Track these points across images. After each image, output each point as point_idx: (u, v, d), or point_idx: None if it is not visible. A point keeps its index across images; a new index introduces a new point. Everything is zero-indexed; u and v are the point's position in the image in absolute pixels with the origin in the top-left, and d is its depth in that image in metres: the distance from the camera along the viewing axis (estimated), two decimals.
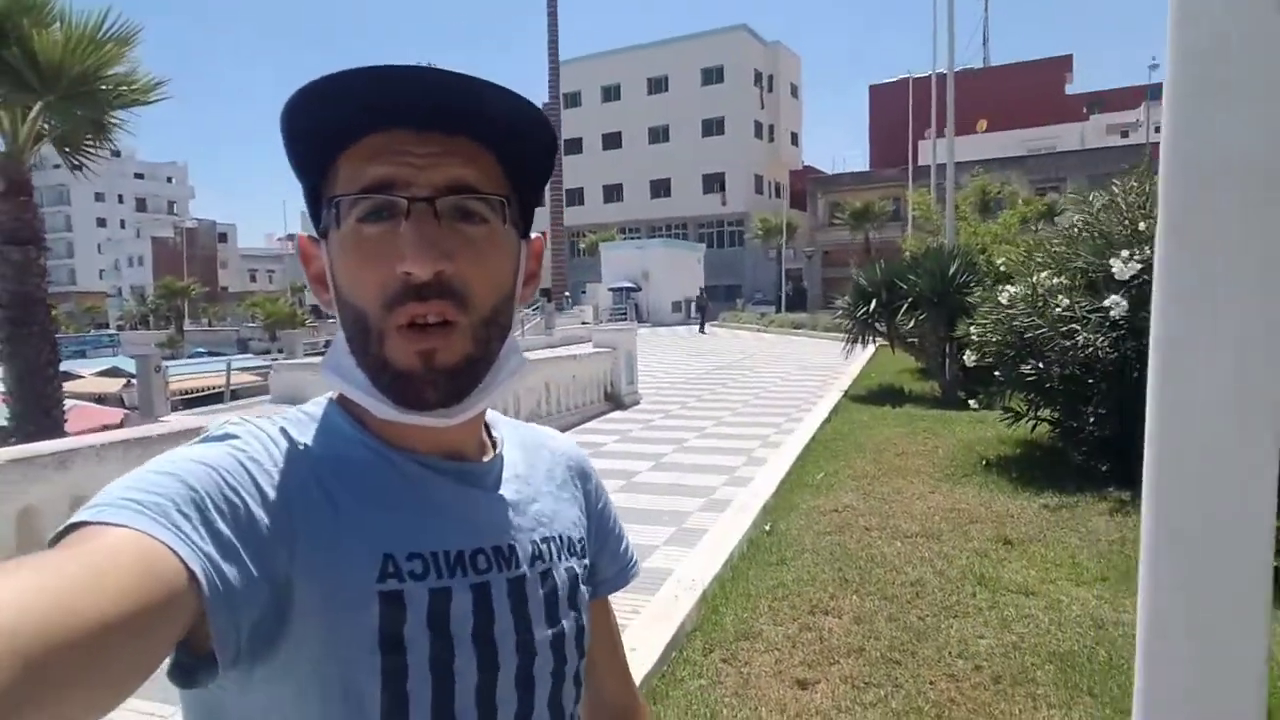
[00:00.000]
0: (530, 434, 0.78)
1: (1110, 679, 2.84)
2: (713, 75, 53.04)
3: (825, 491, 5.86)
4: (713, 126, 53.21)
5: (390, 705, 0.56)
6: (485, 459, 0.69)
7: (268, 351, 30.60)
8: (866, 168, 52.61)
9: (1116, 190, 6.51)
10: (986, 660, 3.06)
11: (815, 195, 48.81)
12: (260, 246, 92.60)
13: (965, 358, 7.12)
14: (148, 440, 4.62)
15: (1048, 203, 19.56)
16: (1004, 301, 6.21)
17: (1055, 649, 3.12)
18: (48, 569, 0.42)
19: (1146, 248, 5.57)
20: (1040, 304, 6.02)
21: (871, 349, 13.84)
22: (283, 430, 0.61)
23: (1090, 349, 5.60)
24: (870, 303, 10.80)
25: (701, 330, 29.68)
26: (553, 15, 43.31)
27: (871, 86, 56.72)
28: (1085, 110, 49.31)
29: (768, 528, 5.06)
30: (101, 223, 78.11)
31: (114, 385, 16.58)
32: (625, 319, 31.32)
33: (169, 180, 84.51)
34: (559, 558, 0.69)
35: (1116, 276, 5.52)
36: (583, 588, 0.71)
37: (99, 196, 77.41)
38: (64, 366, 8.08)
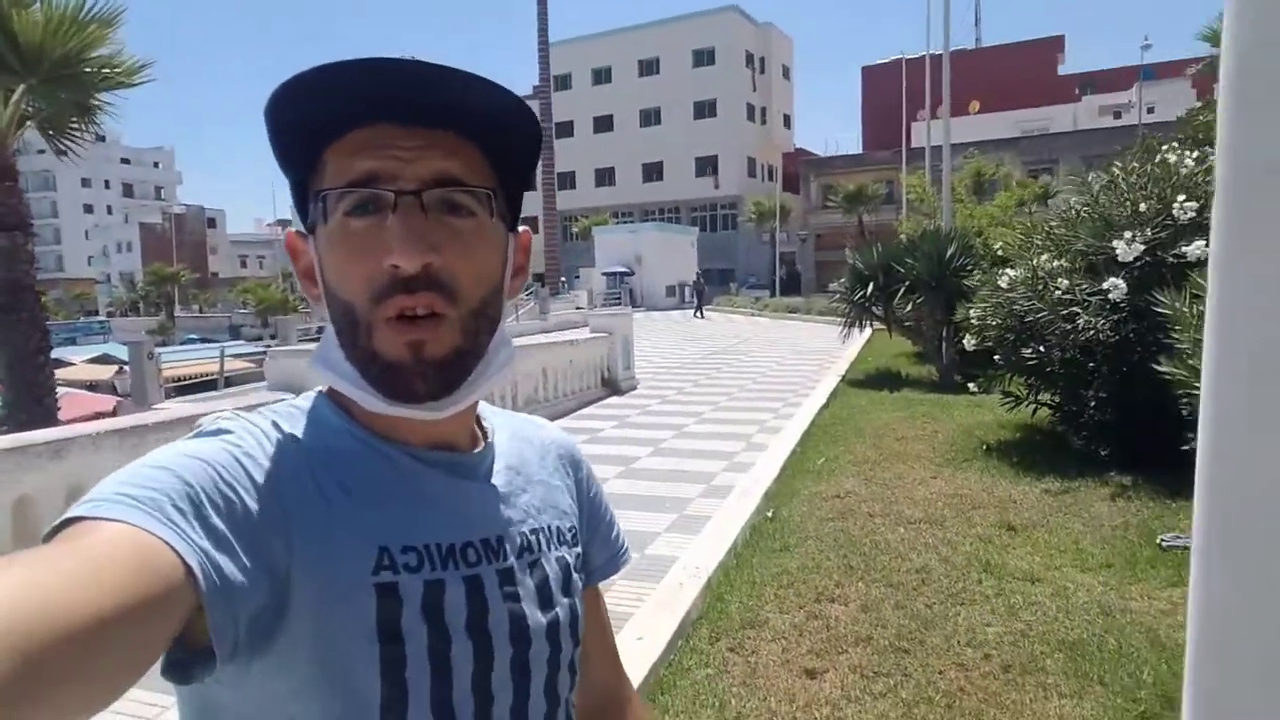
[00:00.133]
0: (520, 423, 0.78)
1: (1120, 668, 2.83)
2: (704, 57, 52.65)
3: (826, 477, 5.84)
4: (704, 109, 52.88)
5: (390, 695, 0.57)
6: (476, 450, 0.69)
7: (260, 338, 30.45)
8: (859, 150, 52.48)
9: (1117, 171, 6.46)
10: (995, 649, 3.05)
11: (808, 178, 48.65)
12: (250, 232, 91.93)
13: (965, 342, 7.09)
14: (143, 429, 4.56)
15: (1043, 186, 19.52)
16: (1004, 285, 6.18)
17: (1064, 637, 3.11)
18: (44, 564, 0.42)
19: (1148, 229, 5.54)
20: (1040, 287, 5.99)
21: (867, 333, 13.84)
22: (275, 424, 0.61)
23: (1091, 332, 5.57)
24: (867, 286, 10.76)
25: (699, 315, 29.57)
26: None
27: (864, 68, 56.54)
28: (1077, 91, 49.24)
29: (770, 514, 5.04)
30: (88, 209, 77.29)
31: (106, 372, 16.45)
32: (619, 303, 31.21)
33: (156, 165, 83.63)
34: (548, 548, 0.69)
35: (1120, 259, 5.48)
36: (576, 575, 0.71)
37: (85, 182, 76.57)
38: (55, 354, 7.97)
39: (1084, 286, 5.72)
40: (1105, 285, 5.42)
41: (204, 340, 30.50)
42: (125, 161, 79.73)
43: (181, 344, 28.26)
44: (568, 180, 54.96)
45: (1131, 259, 5.47)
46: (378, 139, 0.58)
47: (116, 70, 8.21)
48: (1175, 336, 4.41)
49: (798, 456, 6.63)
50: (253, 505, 0.54)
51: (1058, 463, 5.84)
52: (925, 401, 8.90)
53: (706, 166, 52.62)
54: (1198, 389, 2.58)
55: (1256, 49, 0.91)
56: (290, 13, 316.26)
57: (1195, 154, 6.08)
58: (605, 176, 56.09)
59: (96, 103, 8.48)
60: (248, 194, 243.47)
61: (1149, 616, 3.29)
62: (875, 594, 3.64)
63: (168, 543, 0.47)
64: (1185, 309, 4.41)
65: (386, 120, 0.58)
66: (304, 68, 0.55)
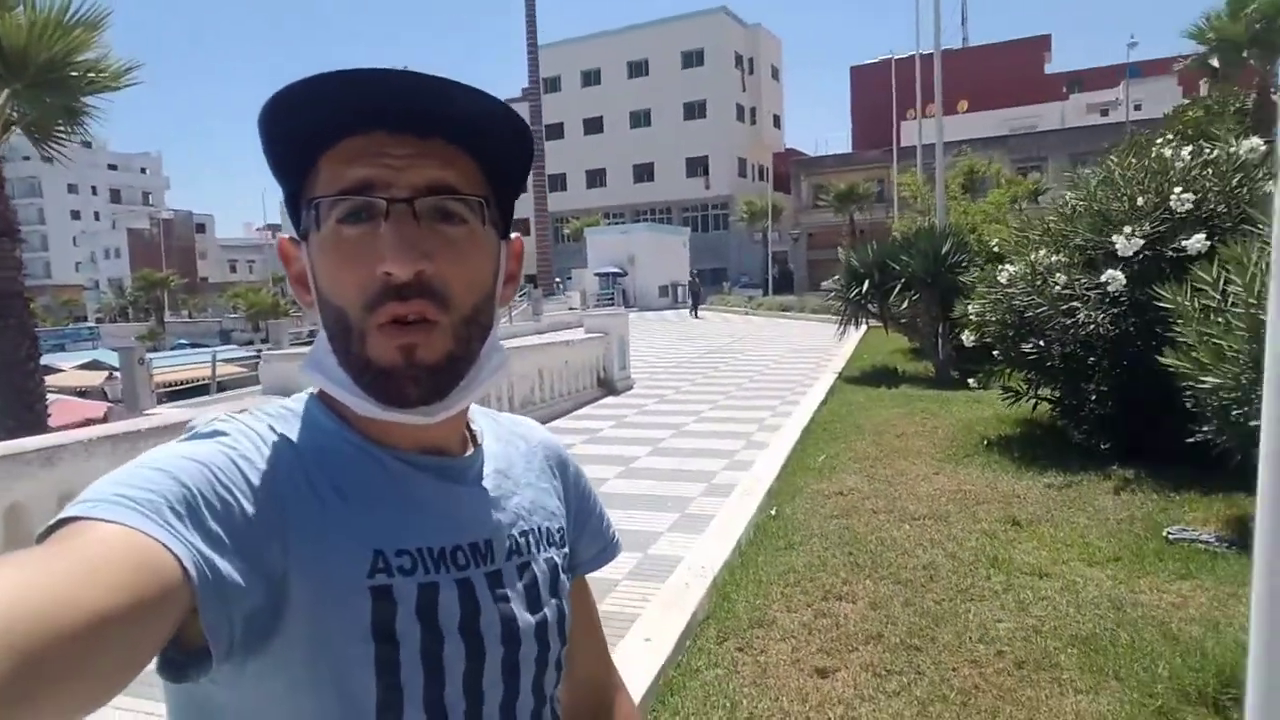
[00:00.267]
0: (507, 425, 0.79)
1: (1135, 662, 2.80)
2: (693, 58, 52.70)
3: (828, 474, 5.81)
4: (694, 110, 52.92)
5: (385, 696, 0.57)
6: (466, 454, 0.69)
7: (251, 342, 30.25)
8: (849, 149, 52.58)
9: (1113, 166, 6.46)
10: (1008, 644, 3.01)
11: (799, 177, 48.74)
12: (239, 237, 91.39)
13: (964, 337, 7.07)
14: (136, 435, 4.49)
15: (1033, 183, 19.61)
16: (1004, 280, 6.16)
17: (1076, 632, 3.08)
18: (41, 564, 0.42)
19: (1146, 223, 5.53)
20: (1039, 282, 5.98)
21: (863, 330, 13.83)
22: (270, 427, 0.62)
23: (1091, 326, 5.56)
24: (863, 284, 10.75)
25: (695, 315, 29.56)
26: (530, 1, 42.73)
27: (853, 68, 56.59)
28: (1065, 90, 49.49)
29: (773, 512, 5.00)
30: (75, 215, 76.73)
31: (96, 378, 16.27)
32: (612, 304, 31.17)
33: (143, 171, 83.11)
34: (537, 549, 0.70)
35: (1120, 253, 5.47)
36: (563, 576, 0.73)
37: (72, 188, 76.01)
38: (44, 360, 7.88)
39: (1082, 281, 5.71)
40: (1104, 277, 5.41)
41: (194, 345, 30.26)
42: (112, 167, 79.20)
43: (172, 349, 28.02)
44: (559, 182, 54.88)
45: (1131, 254, 5.46)
46: (371, 147, 0.58)
47: (102, 74, 8.13)
48: (1178, 330, 4.40)
49: (798, 454, 6.59)
50: (249, 508, 0.54)
51: (1059, 457, 5.83)
52: (923, 398, 8.89)
53: (697, 167, 52.65)
54: (1203, 382, 2.55)
55: None
56: (278, 16, 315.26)
57: (1189, 148, 6.08)
58: (596, 178, 56.05)
59: (83, 107, 8.39)
60: (237, 198, 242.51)
61: (1160, 610, 3.27)
62: (883, 591, 3.61)
63: (164, 544, 0.47)
64: (1188, 303, 4.40)
65: (379, 129, 0.58)
66: (293, 75, 0.55)
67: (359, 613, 0.57)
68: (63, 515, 0.48)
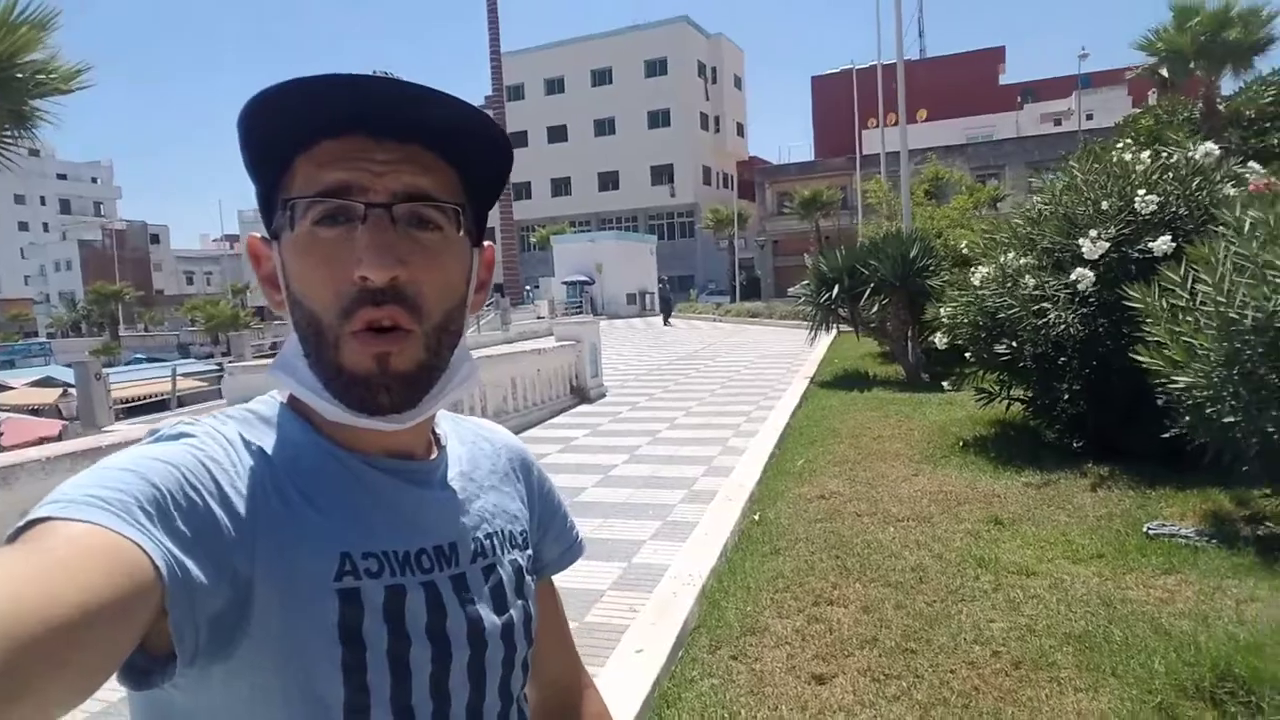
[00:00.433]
0: (470, 428, 0.79)
1: (1131, 659, 2.81)
2: (656, 67, 52.97)
3: (809, 478, 5.79)
4: (658, 118, 53.16)
5: (352, 699, 0.57)
6: (431, 457, 0.70)
7: (210, 355, 29.55)
8: (812, 157, 53.21)
9: (1076, 171, 6.58)
10: (1003, 645, 3.00)
11: (763, 185, 49.17)
12: (195, 248, 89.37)
13: (936, 340, 7.13)
14: (96, 452, 4.31)
15: (994, 190, 20.04)
16: (977, 283, 6.23)
17: (1069, 630, 3.08)
18: (15, 564, 0.42)
19: (1112, 226, 5.64)
20: (1010, 284, 6.05)
21: (832, 335, 13.93)
22: (237, 430, 0.61)
23: (1062, 326, 5.64)
24: (833, 289, 10.82)
25: (666, 322, 29.56)
26: (493, 8, 42.59)
27: (814, 78, 57.50)
28: (1019, 100, 50.74)
29: (756, 517, 4.97)
30: (23, 226, 74.30)
31: (49, 396, 15.70)
32: (580, 312, 31.05)
33: (94, 180, 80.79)
34: (502, 552, 0.71)
35: (1086, 256, 5.56)
36: (528, 578, 0.73)
37: (19, 199, 73.65)
38: None
39: (1051, 283, 5.80)
40: (1074, 276, 5.49)
41: (151, 359, 29.43)
42: (61, 177, 76.82)
43: (127, 364, 27.20)
44: (524, 190, 54.70)
45: (1097, 255, 5.56)
46: (349, 150, 0.58)
47: (52, 75, 7.87)
48: (1147, 329, 4.48)
49: (777, 458, 6.58)
50: (217, 510, 0.54)
51: (1034, 456, 5.89)
52: (896, 400, 8.95)
53: (662, 175, 52.85)
54: (1176, 380, 2.57)
55: None
56: (236, 24, 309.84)
57: (1148, 153, 6.22)
58: (561, 186, 55.95)
59: (31, 110, 8.11)
60: (193, 209, 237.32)
61: (1149, 606, 3.29)
62: (874, 594, 3.58)
63: (137, 543, 0.46)
64: (1157, 302, 4.47)
65: (359, 132, 0.58)
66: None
67: (326, 615, 0.57)
68: (33, 515, 0.47)
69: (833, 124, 50.77)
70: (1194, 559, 3.81)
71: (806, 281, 11.98)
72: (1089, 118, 39.45)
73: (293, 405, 0.65)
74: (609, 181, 54.66)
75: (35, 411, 14.01)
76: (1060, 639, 3.02)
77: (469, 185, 0.64)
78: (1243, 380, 3.78)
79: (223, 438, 0.59)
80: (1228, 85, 15.59)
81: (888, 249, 10.55)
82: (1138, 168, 5.96)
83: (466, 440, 0.76)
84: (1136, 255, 5.41)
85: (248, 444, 0.60)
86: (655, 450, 7.54)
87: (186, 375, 16.28)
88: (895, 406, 8.54)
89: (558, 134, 55.60)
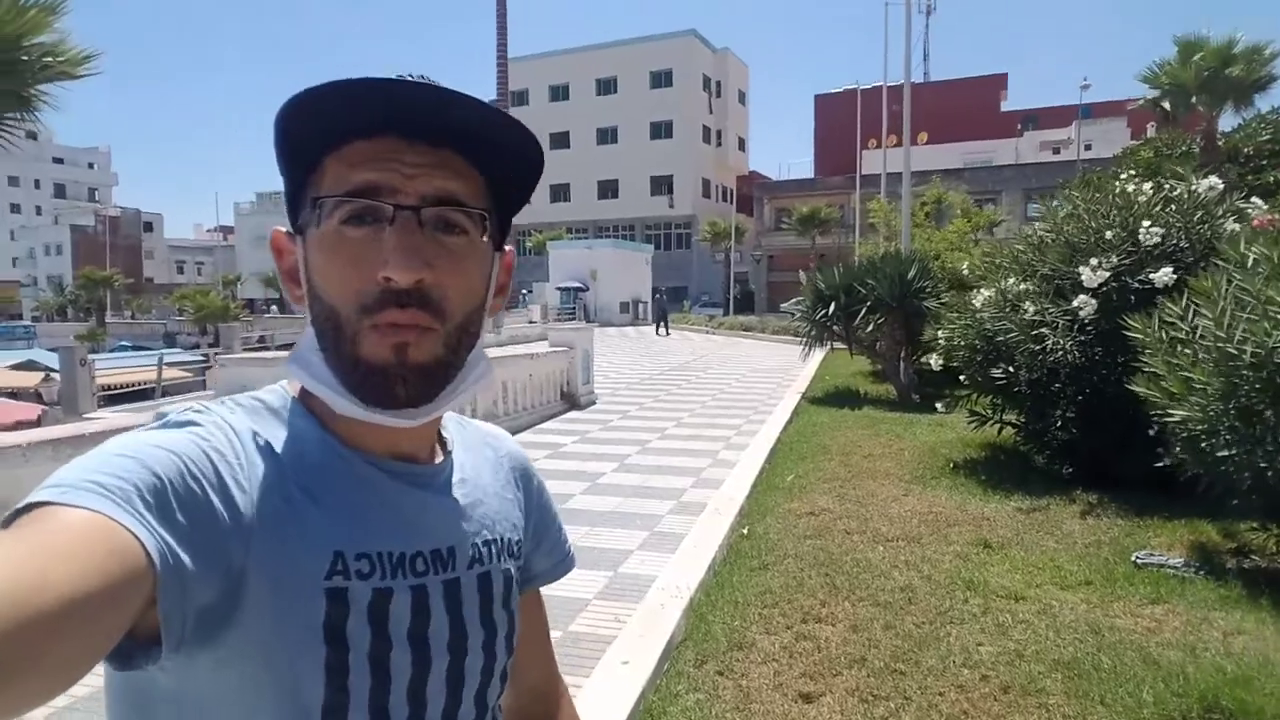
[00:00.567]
0: (475, 433, 0.79)
1: (1120, 687, 2.78)
2: (661, 79, 53.17)
3: (798, 494, 5.77)
4: (661, 129, 53.32)
5: (331, 699, 0.57)
6: (436, 461, 0.70)
7: (197, 346, 29.28)
8: (812, 175, 53.47)
9: (1078, 200, 6.62)
10: (992, 669, 2.97)
11: (761, 200, 49.34)
12: (189, 237, 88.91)
13: (932, 362, 7.14)
14: (80, 439, 4.24)
15: (991, 215, 20.18)
16: (978, 304, 6.24)
17: (1058, 657, 3.06)
18: (9, 547, 0.43)
19: (1114, 255, 5.66)
20: (1009, 308, 6.06)
21: (823, 352, 13.94)
22: (244, 421, 0.61)
23: (1059, 353, 5.65)
24: (829, 306, 10.83)
25: (660, 332, 29.35)
26: (502, 13, 42.70)
27: (817, 96, 57.73)
28: (1020, 127, 51.18)
29: (745, 531, 4.93)
30: (15, 208, 73.78)
31: (30, 379, 15.49)
32: (574, 318, 30.99)
33: (90, 166, 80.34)
34: (497, 560, 0.70)
35: (1086, 284, 5.57)
36: (515, 589, 0.73)
37: (13, 181, 73.17)
38: None
39: (1052, 310, 5.81)
40: (1076, 303, 5.50)
41: (137, 347, 29.18)
42: (58, 161, 76.35)
43: (112, 351, 26.96)
44: None
45: (1097, 284, 5.58)
46: (381, 151, 0.58)
47: (59, 60, 7.79)
48: (1145, 360, 4.48)
49: (767, 473, 6.55)
50: (216, 502, 0.53)
51: (1024, 481, 5.89)
52: (887, 420, 8.95)
53: (662, 185, 52.98)
54: (1173, 413, 2.56)
55: None
56: (240, 18, 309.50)
57: (1150, 185, 6.26)
58: (560, 192, 55.98)
59: (35, 94, 8.03)
60: (188, 198, 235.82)
61: (1137, 635, 3.27)
62: (863, 613, 3.55)
63: (132, 531, 0.46)
64: (1156, 334, 4.48)
65: (392, 134, 0.58)
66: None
67: (313, 613, 0.57)
68: (32, 499, 0.47)
69: (834, 143, 51.03)
70: (1181, 589, 3.80)
71: (800, 298, 11.99)
72: (1088, 147, 39.80)
73: (302, 399, 0.65)
74: (608, 190, 54.75)
75: (15, 395, 13.83)
76: (1049, 665, 3.00)
77: (495, 190, 0.64)
78: (1239, 415, 3.78)
79: (229, 428, 0.59)
80: (1227, 121, 15.78)
81: (885, 269, 10.58)
82: (1140, 199, 6.00)
83: (471, 445, 0.76)
84: (1137, 285, 5.43)
85: (254, 436, 0.60)
86: (645, 460, 7.51)
87: (172, 365, 16.11)
88: (886, 425, 8.53)
89: (560, 140, 55.66)
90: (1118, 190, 6.31)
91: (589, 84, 55.09)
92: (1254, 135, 14.99)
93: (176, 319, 42.51)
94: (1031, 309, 5.87)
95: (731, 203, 51.31)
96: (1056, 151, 45.71)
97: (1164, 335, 4.43)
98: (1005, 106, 54.21)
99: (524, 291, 39.74)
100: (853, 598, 3.75)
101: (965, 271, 8.02)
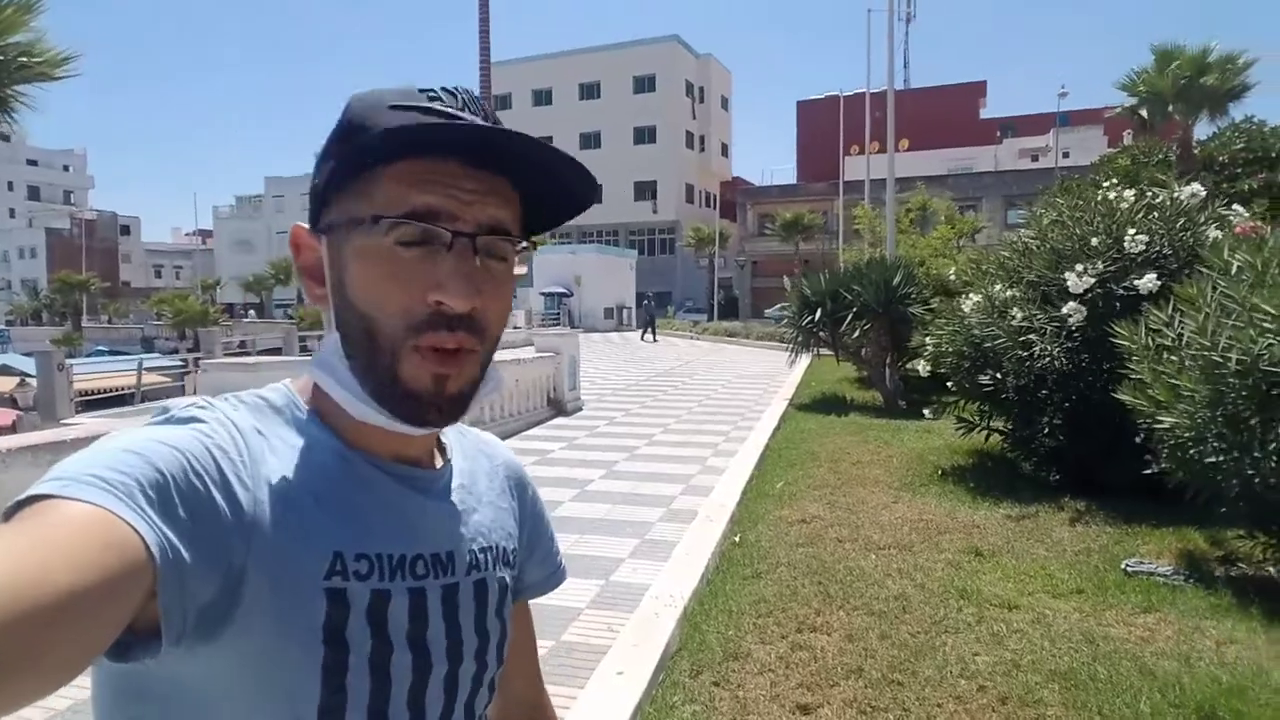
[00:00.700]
0: (472, 440, 0.80)
1: (1117, 698, 2.78)
2: (645, 84, 53.27)
3: (789, 501, 5.76)
4: (644, 134, 53.40)
5: (329, 700, 0.57)
6: (437, 467, 0.70)
7: (175, 351, 28.86)
8: (794, 181, 53.77)
9: (1063, 208, 6.68)
10: (989, 680, 2.97)
11: (745, 206, 49.54)
12: (166, 241, 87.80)
13: (919, 368, 7.16)
14: (59, 445, 4.15)
15: (974, 222, 20.39)
16: (967, 309, 6.26)
17: (1055, 667, 3.06)
18: (10, 541, 0.43)
19: (1099, 262, 5.71)
20: (997, 315, 6.09)
21: (808, 357, 13.97)
22: (248, 419, 0.61)
23: (1047, 359, 5.68)
24: (815, 312, 10.85)
25: (646, 338, 29.25)
26: (484, 17, 42.59)
27: (800, 103, 58.14)
28: (999, 134, 51.76)
29: (737, 539, 4.91)
30: None
31: (6, 384, 15.19)
32: (558, 323, 30.90)
33: (66, 168, 79.09)
34: (493, 568, 0.71)
35: (1072, 290, 5.62)
36: (509, 598, 0.73)
37: None
38: None
39: (1039, 317, 5.84)
40: (1065, 310, 5.54)
41: (114, 352, 28.73)
42: (32, 163, 75.07)
43: (89, 356, 26.52)
44: None
45: (1082, 290, 5.62)
46: (442, 174, 0.58)
47: (37, 60, 7.66)
48: (1131, 367, 4.52)
49: (756, 480, 6.54)
50: (218, 498, 0.53)
51: (1011, 488, 5.91)
52: (874, 426, 8.97)
53: (645, 191, 53.04)
54: (1161, 421, 2.56)
55: None
56: (218, 18, 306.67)
57: (1132, 192, 6.33)
58: None
59: (11, 94, 7.88)
60: (165, 201, 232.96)
61: (1130, 644, 3.28)
62: (858, 623, 3.54)
63: (133, 527, 0.46)
64: (1144, 340, 4.51)
65: (453, 158, 0.59)
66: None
67: (313, 614, 0.57)
68: (34, 492, 0.47)
69: (816, 149, 51.36)
70: (1172, 598, 3.82)
71: (784, 304, 12.00)
72: (1065, 155, 40.33)
73: (308, 399, 0.65)
74: None
75: None
76: (1045, 675, 2.99)
77: (530, 217, 0.66)
78: (1226, 422, 3.81)
79: (232, 425, 0.59)
80: (1202, 129, 16.03)
81: (871, 275, 10.62)
82: (1122, 205, 6.06)
83: (469, 453, 0.76)
84: (1121, 292, 5.48)
85: (257, 433, 0.60)
86: (633, 467, 7.47)
87: (150, 370, 15.85)
88: (873, 432, 8.56)
89: None
90: (1100, 198, 6.38)
91: (572, 89, 55.09)
92: (1229, 144, 15.24)
93: (154, 323, 41.91)
94: (1020, 315, 5.91)
95: (715, 208, 51.50)
96: (1035, 159, 46.27)
97: (1150, 342, 4.47)
98: (984, 114, 54.84)
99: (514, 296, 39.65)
100: (847, 606, 3.73)
101: (952, 277, 8.06)
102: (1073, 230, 6.20)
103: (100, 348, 32.95)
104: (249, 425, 0.60)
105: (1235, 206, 6.05)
